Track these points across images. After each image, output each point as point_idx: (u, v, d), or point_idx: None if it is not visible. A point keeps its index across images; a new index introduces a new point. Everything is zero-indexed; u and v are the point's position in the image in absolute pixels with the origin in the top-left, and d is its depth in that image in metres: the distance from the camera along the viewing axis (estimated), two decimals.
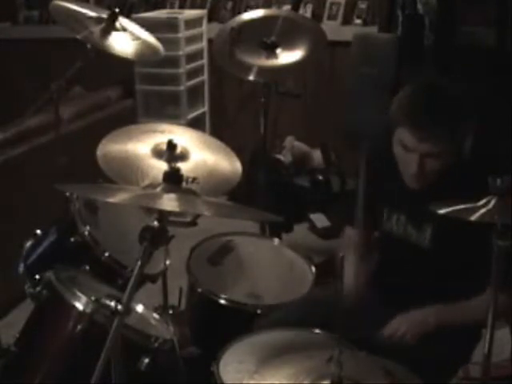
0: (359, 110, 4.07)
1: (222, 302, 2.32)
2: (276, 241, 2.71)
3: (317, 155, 4.20)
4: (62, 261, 2.18)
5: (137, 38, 2.69)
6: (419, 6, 4.09)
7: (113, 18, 2.62)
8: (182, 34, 4.58)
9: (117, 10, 2.65)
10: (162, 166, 2.00)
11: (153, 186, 1.72)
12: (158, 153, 2.10)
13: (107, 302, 1.55)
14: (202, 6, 5.00)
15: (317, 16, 4.66)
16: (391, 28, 4.27)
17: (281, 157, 4.19)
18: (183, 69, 4.65)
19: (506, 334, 2.48)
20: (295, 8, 4.60)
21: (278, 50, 2.95)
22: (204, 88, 4.96)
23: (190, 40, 4.71)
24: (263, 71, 2.93)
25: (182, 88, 4.68)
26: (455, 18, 3.97)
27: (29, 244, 2.42)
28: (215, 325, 2.35)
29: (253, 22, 3.10)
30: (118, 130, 2.20)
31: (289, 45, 2.97)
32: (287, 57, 2.95)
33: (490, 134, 2.86)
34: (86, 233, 2.31)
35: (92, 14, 2.66)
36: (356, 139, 4.13)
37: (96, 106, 4.16)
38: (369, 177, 2.11)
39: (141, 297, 2.06)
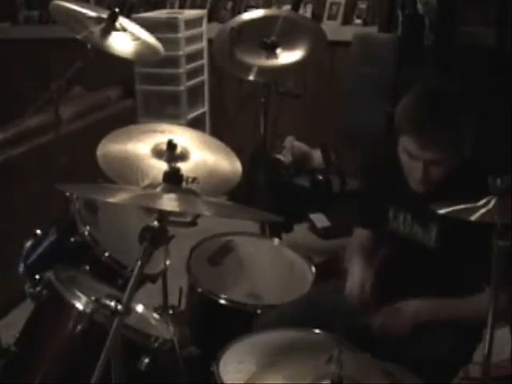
0: (359, 109, 4.08)
1: (222, 301, 2.32)
2: (276, 241, 2.71)
3: (317, 155, 4.20)
4: (62, 261, 2.18)
5: (137, 38, 2.69)
6: (419, 6, 4.09)
7: (113, 18, 2.62)
8: (182, 34, 4.58)
9: (117, 9, 2.65)
10: (162, 166, 2.00)
11: (153, 185, 1.72)
12: (157, 153, 2.10)
13: (107, 302, 1.55)
14: (202, 6, 5.00)
15: (317, 16, 4.66)
16: (391, 28, 4.27)
17: (281, 157, 4.19)
18: (183, 69, 4.65)
19: (506, 333, 2.48)
20: (295, 8, 4.60)
21: (278, 50, 2.95)
22: (204, 88, 4.96)
23: (190, 40, 4.71)
24: (263, 71, 2.93)
25: (182, 88, 4.68)
26: (455, 18, 3.96)
27: (29, 244, 2.43)
28: (215, 325, 2.35)
29: (253, 22, 3.10)
30: (117, 130, 2.20)
31: (289, 45, 2.97)
32: (287, 57, 2.95)
33: (490, 134, 2.86)
34: (86, 233, 2.31)
35: (92, 13, 2.66)
36: (356, 139, 4.14)
37: (96, 106, 4.16)
38: (372, 177, 2.12)
39: (141, 297, 2.06)
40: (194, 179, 1.99)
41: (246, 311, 2.28)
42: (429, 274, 2.06)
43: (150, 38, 2.76)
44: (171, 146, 2.07)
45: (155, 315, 2.18)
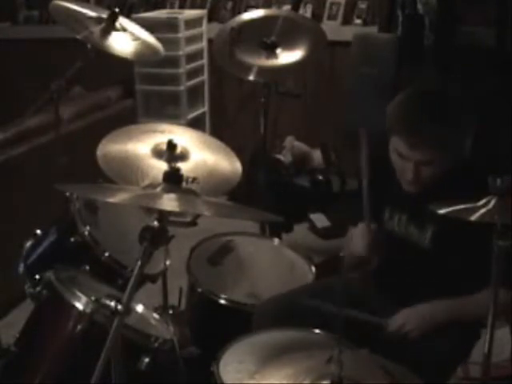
0: (359, 109, 4.07)
1: (222, 301, 2.32)
2: (276, 241, 2.71)
3: (317, 155, 4.20)
4: (62, 261, 2.18)
5: (137, 38, 2.69)
6: (419, 6, 4.09)
7: (113, 18, 2.62)
8: (182, 33, 4.58)
9: (117, 9, 2.65)
10: (162, 166, 2.00)
11: (153, 185, 1.72)
12: (158, 153, 2.10)
13: (107, 302, 1.55)
14: (202, 6, 5.00)
15: (317, 16, 4.66)
16: (391, 28, 4.27)
17: (281, 157, 4.19)
18: (183, 69, 4.65)
19: (506, 333, 2.48)
20: (295, 8, 4.60)
21: (278, 50, 2.95)
22: (204, 88, 4.96)
23: (190, 40, 4.70)
24: (263, 71, 2.93)
25: (182, 88, 4.68)
26: (455, 18, 3.97)
27: (29, 244, 2.43)
28: (215, 325, 2.35)
29: (253, 21, 3.10)
30: (117, 130, 2.20)
31: (289, 45, 2.97)
32: (287, 57, 2.95)
33: (490, 134, 2.86)
34: (86, 233, 2.32)
35: (92, 13, 2.66)
36: (356, 139, 4.14)
37: (96, 106, 4.16)
38: (370, 176, 2.12)
39: (141, 297, 2.07)
40: (194, 179, 2.00)
41: (245, 311, 2.27)
42: (424, 275, 2.05)
43: (149, 38, 2.76)
44: (171, 146, 2.07)
45: (155, 315, 2.18)
